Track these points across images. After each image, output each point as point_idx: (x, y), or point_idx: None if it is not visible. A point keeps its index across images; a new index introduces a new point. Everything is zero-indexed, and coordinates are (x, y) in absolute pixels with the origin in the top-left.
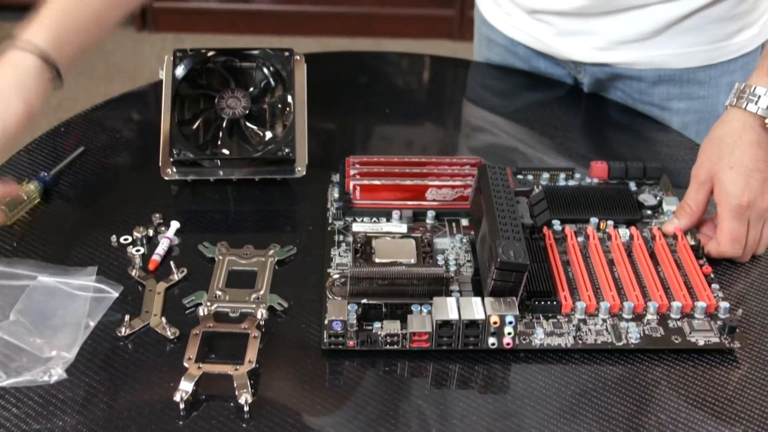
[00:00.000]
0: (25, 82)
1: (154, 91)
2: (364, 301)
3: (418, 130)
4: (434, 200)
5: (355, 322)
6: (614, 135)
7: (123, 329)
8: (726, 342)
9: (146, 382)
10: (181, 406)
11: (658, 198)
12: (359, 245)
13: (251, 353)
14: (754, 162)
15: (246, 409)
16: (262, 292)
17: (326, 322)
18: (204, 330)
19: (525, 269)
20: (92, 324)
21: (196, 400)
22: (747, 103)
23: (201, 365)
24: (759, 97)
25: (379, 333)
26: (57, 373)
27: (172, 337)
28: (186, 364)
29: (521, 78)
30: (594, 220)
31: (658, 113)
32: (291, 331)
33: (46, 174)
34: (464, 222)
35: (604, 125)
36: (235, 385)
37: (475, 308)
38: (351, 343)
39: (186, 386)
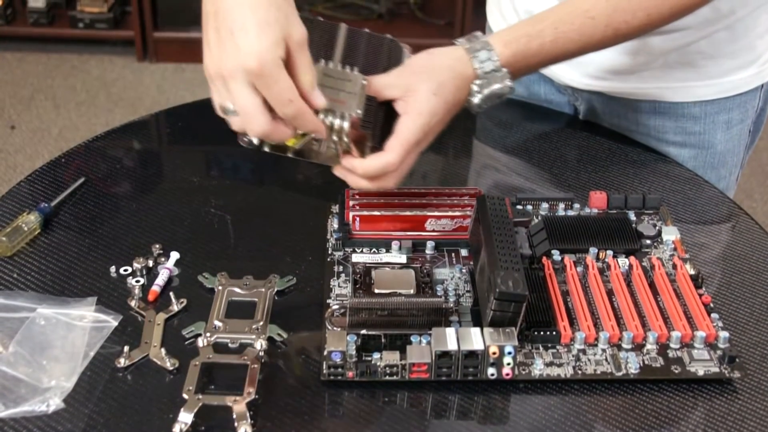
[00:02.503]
0: None
1: (155, 121)
2: (364, 331)
3: (418, 159)
4: (433, 231)
5: (354, 352)
6: (613, 166)
7: (122, 360)
8: (726, 372)
9: (145, 413)
10: None
11: (657, 228)
12: (358, 276)
13: (250, 384)
14: (450, 103)
15: None
16: (261, 323)
17: (325, 353)
18: (203, 361)
19: (524, 300)
20: (91, 353)
21: None
22: (474, 58)
23: (200, 396)
24: (488, 60)
25: (378, 364)
26: (55, 403)
27: (171, 368)
28: (185, 395)
29: (521, 108)
30: (593, 250)
31: (655, 146)
32: (290, 361)
33: (46, 204)
34: (464, 252)
35: (603, 156)
36: (234, 416)
37: (474, 339)
38: (350, 374)
39: (185, 417)
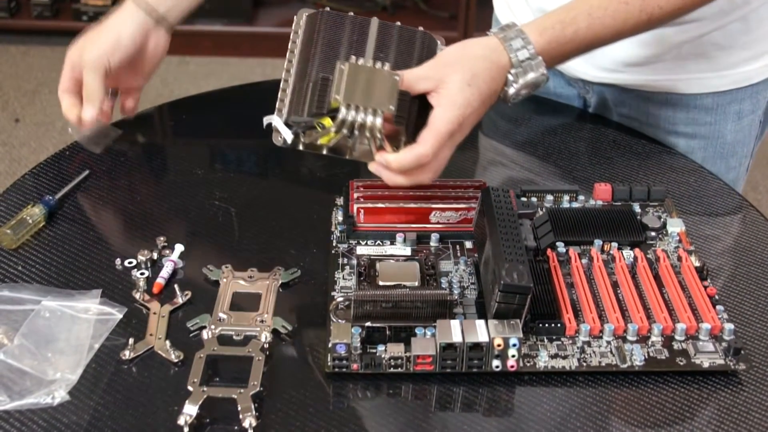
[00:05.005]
0: (126, 22)
1: (159, 114)
2: (368, 324)
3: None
4: (438, 223)
5: (359, 345)
6: (620, 159)
7: (127, 352)
8: (731, 364)
9: (150, 405)
10: (186, 429)
11: (662, 220)
12: (363, 268)
13: (255, 376)
14: (485, 94)
15: None
16: (266, 315)
17: (330, 345)
18: (208, 353)
19: (528, 292)
20: (96, 346)
21: (200, 424)
22: (509, 47)
23: (205, 388)
24: (523, 48)
25: (383, 356)
26: (60, 395)
27: (176, 361)
28: (190, 388)
29: (529, 102)
30: (598, 242)
31: (664, 137)
32: (295, 354)
33: (51, 197)
34: (468, 244)
35: (610, 149)
36: (239, 408)
37: (479, 331)
38: (355, 366)
39: (190, 410)
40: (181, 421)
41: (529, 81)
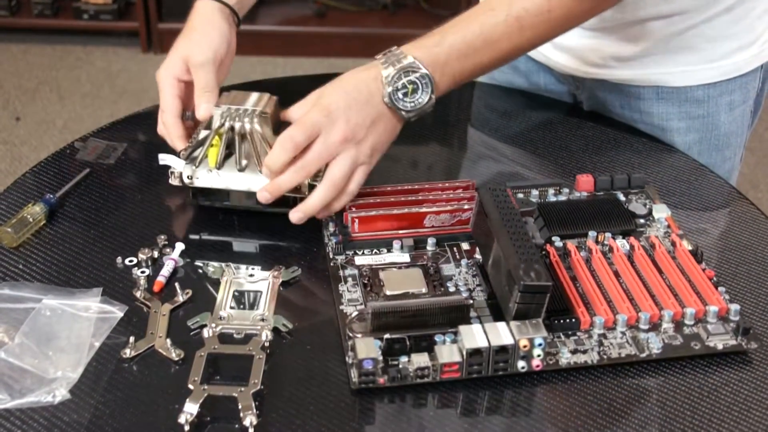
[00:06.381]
0: (215, 20)
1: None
2: (387, 335)
3: (422, 150)
4: (433, 226)
5: (380, 358)
6: (618, 156)
7: (128, 351)
8: (744, 343)
9: (151, 404)
10: (186, 428)
11: (647, 207)
12: (366, 279)
13: (256, 375)
14: (352, 93)
15: (251, 431)
16: (266, 314)
17: (355, 361)
18: (209, 352)
19: (548, 290)
20: (97, 344)
21: (200, 422)
22: (379, 59)
23: (206, 387)
24: (390, 53)
25: (408, 367)
26: (60, 394)
27: (176, 359)
28: (191, 386)
29: (523, 98)
30: (593, 233)
31: (660, 134)
32: (296, 352)
33: (51, 196)
34: (465, 246)
35: (607, 145)
36: (239, 406)
37: (503, 334)
38: (381, 380)
39: (191, 408)
40: (181, 419)
41: (401, 75)
